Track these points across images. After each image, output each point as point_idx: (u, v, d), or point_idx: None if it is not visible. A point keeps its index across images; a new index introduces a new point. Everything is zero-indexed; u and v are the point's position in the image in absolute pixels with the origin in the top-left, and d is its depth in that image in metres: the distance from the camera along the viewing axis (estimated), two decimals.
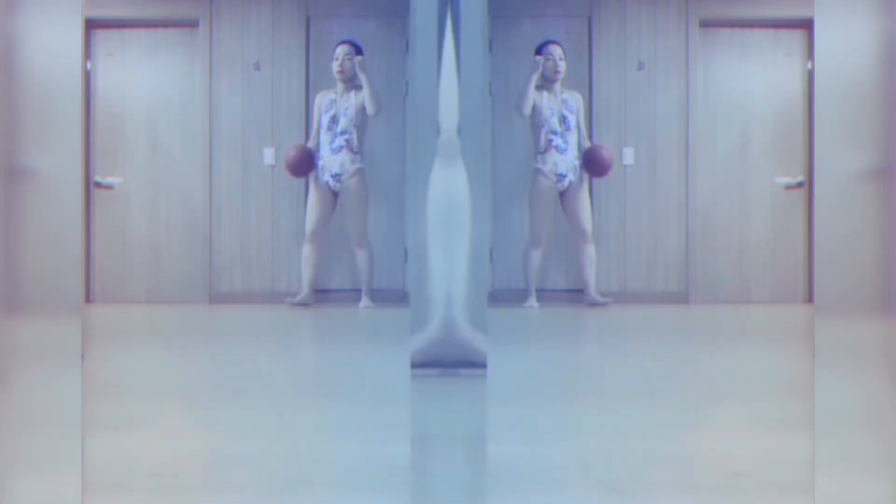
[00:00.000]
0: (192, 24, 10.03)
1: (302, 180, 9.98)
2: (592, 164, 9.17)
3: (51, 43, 2.06)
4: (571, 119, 9.33)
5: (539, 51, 9.39)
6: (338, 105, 9.30)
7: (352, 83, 9.35)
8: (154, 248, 10.04)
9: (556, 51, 9.36)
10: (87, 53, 9.90)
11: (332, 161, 9.23)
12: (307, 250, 9.35)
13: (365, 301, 9.30)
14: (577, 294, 9.95)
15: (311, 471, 2.57)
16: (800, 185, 10.10)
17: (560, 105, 9.34)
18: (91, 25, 9.89)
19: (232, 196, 9.92)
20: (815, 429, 2.01)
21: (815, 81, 2.04)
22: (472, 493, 2.40)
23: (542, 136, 9.28)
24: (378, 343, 6.29)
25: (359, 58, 9.30)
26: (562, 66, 9.35)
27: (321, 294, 9.97)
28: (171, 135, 10.02)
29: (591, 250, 9.28)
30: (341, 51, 9.30)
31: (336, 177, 9.22)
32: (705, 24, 10.08)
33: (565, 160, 9.26)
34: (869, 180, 2.04)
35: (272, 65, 10.01)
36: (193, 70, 9.95)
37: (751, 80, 10.15)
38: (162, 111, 10.04)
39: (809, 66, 10.10)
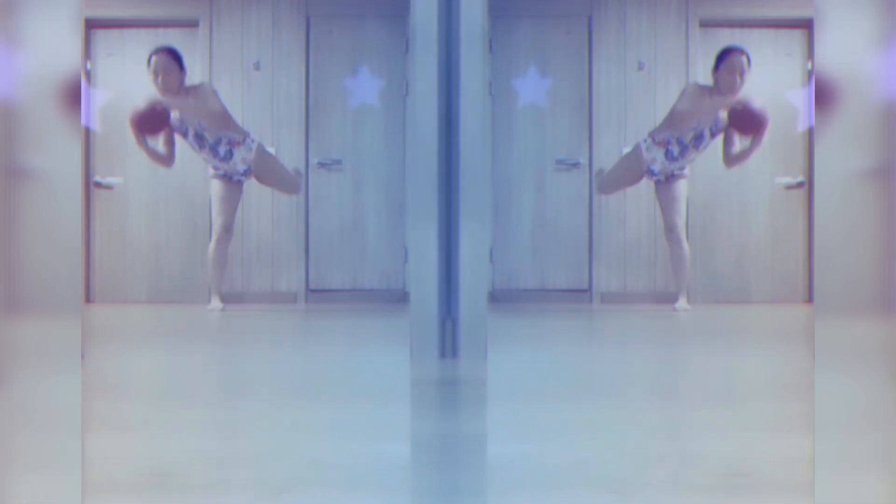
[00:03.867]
0: (192, 24, 10.03)
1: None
2: (744, 122, 8.16)
3: (51, 43, 2.06)
4: (706, 142, 8.35)
5: (720, 58, 8.34)
6: (186, 120, 8.34)
7: (178, 91, 8.34)
8: (154, 248, 10.04)
9: (740, 62, 8.28)
10: (87, 53, 9.91)
11: (232, 167, 8.54)
12: (220, 249, 8.67)
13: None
14: (577, 294, 9.96)
15: (311, 471, 2.58)
16: (800, 185, 10.10)
17: (711, 121, 8.30)
18: (91, 25, 9.89)
19: None
20: (815, 429, 2.01)
21: (814, 81, 2.04)
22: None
23: (667, 129, 8.40)
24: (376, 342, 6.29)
25: (175, 114, 8.31)
26: (740, 81, 8.25)
27: (319, 294, 9.97)
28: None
29: (676, 249, 8.57)
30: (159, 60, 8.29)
31: (245, 172, 8.56)
32: (705, 24, 10.08)
33: (666, 166, 8.41)
34: (868, 180, 2.04)
35: (272, 65, 10.01)
36: (193, 70, 9.95)
37: (751, 80, 10.15)
38: None
39: (809, 66, 10.11)
